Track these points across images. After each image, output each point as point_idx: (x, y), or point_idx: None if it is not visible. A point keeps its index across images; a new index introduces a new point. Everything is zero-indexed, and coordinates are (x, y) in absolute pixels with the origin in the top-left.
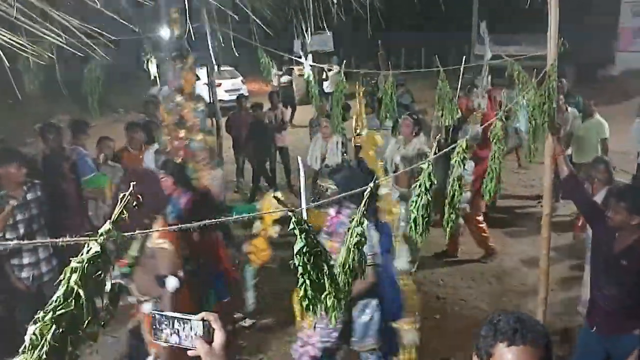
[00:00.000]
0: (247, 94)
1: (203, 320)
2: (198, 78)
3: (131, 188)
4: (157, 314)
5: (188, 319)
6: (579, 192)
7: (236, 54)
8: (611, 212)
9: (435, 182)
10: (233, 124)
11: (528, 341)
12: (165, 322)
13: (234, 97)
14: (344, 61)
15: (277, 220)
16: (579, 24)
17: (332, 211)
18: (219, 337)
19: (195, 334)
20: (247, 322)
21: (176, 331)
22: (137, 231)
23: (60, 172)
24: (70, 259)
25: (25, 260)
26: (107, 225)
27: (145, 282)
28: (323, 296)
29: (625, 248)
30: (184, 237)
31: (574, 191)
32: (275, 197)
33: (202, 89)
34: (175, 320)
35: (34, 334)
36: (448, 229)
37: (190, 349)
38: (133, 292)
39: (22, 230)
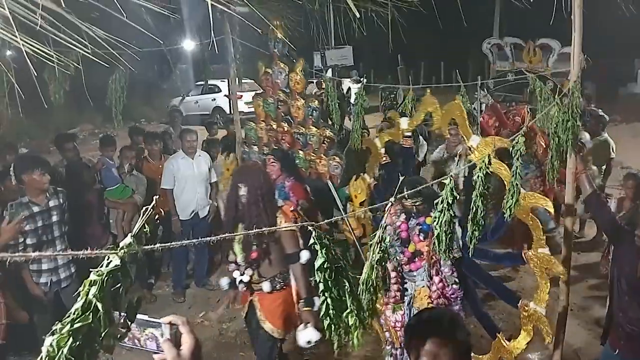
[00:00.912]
0: None
1: (170, 323)
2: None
3: (153, 202)
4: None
5: (155, 322)
6: (602, 210)
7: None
8: None
9: (457, 197)
10: None
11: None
12: (137, 326)
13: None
14: (364, 75)
15: (362, 203)
16: (600, 42)
17: (402, 217)
18: (187, 341)
19: (162, 338)
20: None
21: (142, 334)
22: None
23: (83, 180)
24: (90, 269)
25: (44, 266)
26: (128, 239)
27: (270, 265)
28: (344, 315)
29: None
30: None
31: (597, 210)
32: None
33: (222, 101)
34: (141, 323)
35: (50, 345)
36: (471, 246)
37: (156, 353)
38: (253, 276)
39: (42, 237)
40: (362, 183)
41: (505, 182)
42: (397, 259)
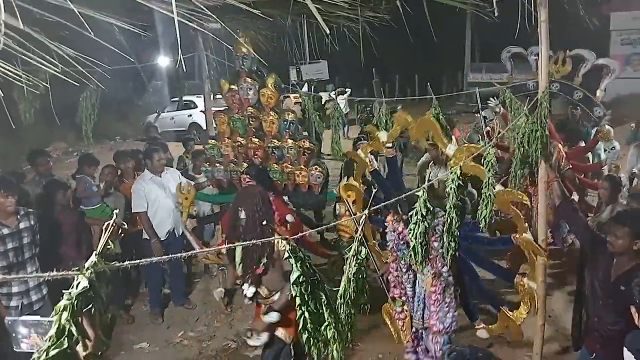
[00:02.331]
0: None
1: None
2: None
3: (114, 217)
4: (13, 319)
5: (51, 321)
6: (575, 217)
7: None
8: (612, 237)
9: (432, 209)
10: None
11: None
12: (25, 328)
13: None
14: (347, 87)
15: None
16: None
17: (401, 224)
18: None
19: None
20: None
21: (41, 337)
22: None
23: (57, 200)
24: (62, 290)
25: (15, 289)
26: (93, 258)
27: (274, 279)
28: (323, 328)
29: (623, 273)
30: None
31: (569, 217)
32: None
33: (199, 117)
34: (38, 324)
35: None
36: (448, 257)
37: None
38: (262, 292)
39: (12, 259)
40: (354, 183)
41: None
42: (405, 260)
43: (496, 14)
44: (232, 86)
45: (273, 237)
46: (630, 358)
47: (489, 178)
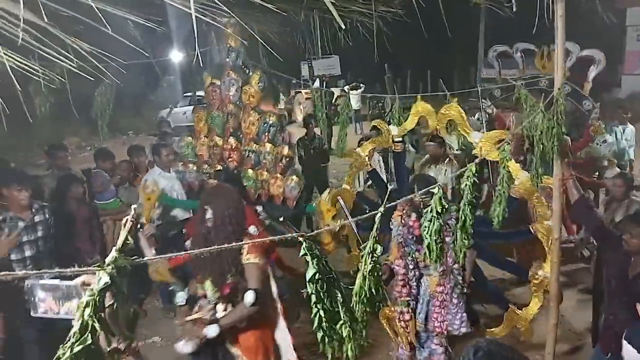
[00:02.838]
0: None
1: (84, 284)
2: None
3: (133, 211)
4: (32, 282)
5: (69, 285)
6: (590, 215)
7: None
8: (628, 235)
9: (447, 206)
10: None
11: None
12: (44, 292)
13: None
14: (360, 82)
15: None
16: (584, 48)
17: (413, 216)
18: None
19: (78, 300)
20: None
21: (58, 303)
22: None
23: (72, 195)
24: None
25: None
26: (113, 254)
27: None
28: (338, 326)
29: None
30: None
31: (584, 215)
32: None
33: None
34: (57, 288)
35: None
36: (461, 255)
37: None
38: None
39: (27, 252)
40: (335, 196)
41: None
42: (412, 256)
43: (514, 9)
44: (215, 80)
45: (288, 235)
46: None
47: (503, 175)
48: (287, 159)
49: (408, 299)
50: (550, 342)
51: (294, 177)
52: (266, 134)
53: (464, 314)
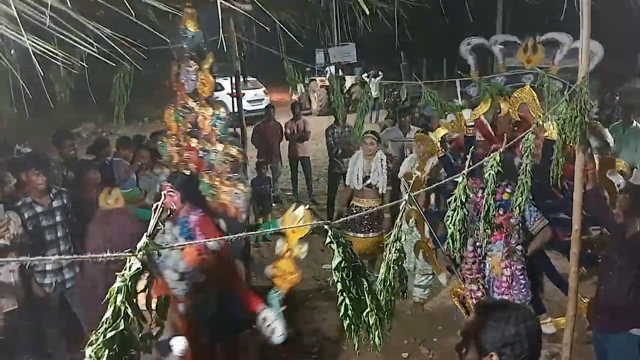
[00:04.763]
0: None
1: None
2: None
3: (163, 197)
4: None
5: None
6: (599, 205)
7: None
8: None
9: (471, 196)
10: (261, 134)
11: None
12: None
13: (256, 108)
14: (377, 70)
15: (303, 237)
16: (605, 37)
17: (480, 194)
18: None
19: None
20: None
21: None
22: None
23: (89, 181)
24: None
25: (49, 267)
26: (144, 239)
27: None
28: (365, 314)
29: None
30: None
31: (594, 204)
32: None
33: (225, 99)
34: None
35: (90, 356)
36: (485, 244)
37: None
38: None
39: (47, 237)
40: (307, 214)
41: None
42: (476, 233)
43: None
44: (178, 69)
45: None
46: None
47: (526, 165)
48: (233, 160)
49: (479, 275)
50: (568, 333)
51: (239, 185)
52: (214, 128)
53: (529, 291)
